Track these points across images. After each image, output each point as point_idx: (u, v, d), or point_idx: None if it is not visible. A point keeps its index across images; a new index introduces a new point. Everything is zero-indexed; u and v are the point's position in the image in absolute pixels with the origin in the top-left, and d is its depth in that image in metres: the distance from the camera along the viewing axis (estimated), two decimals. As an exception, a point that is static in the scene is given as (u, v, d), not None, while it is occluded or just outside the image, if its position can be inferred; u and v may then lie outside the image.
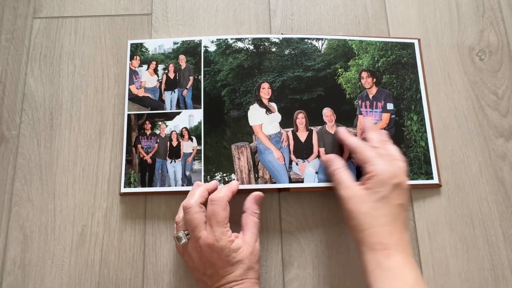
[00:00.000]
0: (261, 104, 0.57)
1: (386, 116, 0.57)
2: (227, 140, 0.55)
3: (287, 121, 0.56)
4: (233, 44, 0.59)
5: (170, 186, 0.54)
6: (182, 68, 0.59)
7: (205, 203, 0.48)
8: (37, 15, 0.63)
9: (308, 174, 0.54)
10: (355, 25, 0.63)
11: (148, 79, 0.59)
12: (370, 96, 0.57)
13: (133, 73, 0.59)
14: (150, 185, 0.54)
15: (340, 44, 0.59)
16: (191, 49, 0.59)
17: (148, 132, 0.57)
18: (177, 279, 0.52)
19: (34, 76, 0.60)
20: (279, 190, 0.55)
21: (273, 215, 0.55)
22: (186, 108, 0.57)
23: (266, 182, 0.53)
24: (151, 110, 0.57)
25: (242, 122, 0.56)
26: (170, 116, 0.57)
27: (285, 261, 0.53)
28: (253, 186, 0.53)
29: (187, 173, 0.55)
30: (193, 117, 0.57)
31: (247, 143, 0.55)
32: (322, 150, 0.55)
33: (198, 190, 0.48)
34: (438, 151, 0.57)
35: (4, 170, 0.56)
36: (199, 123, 0.56)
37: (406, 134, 0.56)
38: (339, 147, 0.54)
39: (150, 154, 0.56)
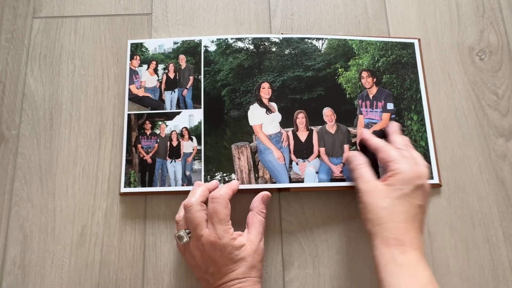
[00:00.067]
0: (261, 104, 0.57)
1: (386, 116, 0.57)
2: (227, 140, 0.55)
3: (287, 121, 0.56)
4: (233, 44, 0.59)
5: (170, 186, 0.54)
6: (182, 68, 0.59)
7: (206, 202, 0.48)
8: (37, 15, 0.63)
9: (309, 174, 0.54)
10: (355, 25, 0.63)
11: (148, 79, 0.59)
12: (370, 96, 0.57)
13: (133, 73, 0.59)
14: (150, 185, 0.54)
15: (340, 44, 0.59)
16: (191, 49, 0.59)
17: (148, 132, 0.57)
18: (177, 279, 0.52)
19: (34, 76, 0.60)
20: (279, 190, 0.55)
21: (273, 215, 0.55)
22: (186, 108, 0.57)
23: (266, 182, 0.53)
24: (151, 110, 0.57)
25: (242, 122, 0.56)
26: (170, 116, 0.57)
27: (285, 261, 0.53)
28: (253, 186, 0.53)
29: (187, 173, 0.55)
30: (193, 117, 0.57)
31: (247, 143, 0.55)
32: (322, 150, 0.55)
33: (199, 189, 0.48)
34: (438, 151, 0.57)
35: (4, 170, 0.56)
36: (199, 123, 0.56)
37: (406, 134, 0.56)
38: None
39: (150, 154, 0.56)
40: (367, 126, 0.56)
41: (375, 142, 0.51)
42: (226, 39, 0.59)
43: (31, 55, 0.61)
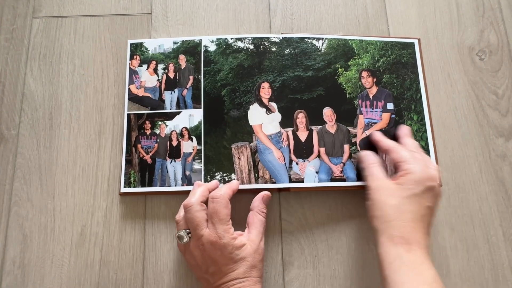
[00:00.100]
0: (261, 104, 0.57)
1: (386, 116, 0.57)
2: (227, 140, 0.55)
3: (287, 121, 0.56)
4: (233, 44, 0.59)
5: (170, 186, 0.54)
6: (182, 67, 0.59)
7: (206, 202, 0.48)
8: (36, 14, 0.63)
9: (309, 174, 0.54)
10: (355, 25, 0.63)
11: (148, 78, 0.59)
12: (371, 96, 0.57)
13: (133, 73, 0.59)
14: (150, 185, 0.54)
15: (340, 44, 0.59)
16: (191, 49, 0.59)
17: (148, 132, 0.56)
18: (177, 279, 0.52)
19: (33, 76, 0.60)
20: (279, 190, 0.55)
21: (273, 215, 0.54)
22: (186, 107, 0.57)
23: (266, 182, 0.53)
24: (151, 109, 0.57)
25: (242, 121, 0.56)
26: (170, 116, 0.57)
27: (285, 261, 0.53)
28: (253, 186, 0.53)
29: (187, 173, 0.54)
30: (193, 116, 0.56)
31: (247, 143, 0.55)
32: (322, 149, 0.55)
33: (199, 190, 0.48)
34: (438, 151, 0.57)
35: (3, 170, 0.56)
36: (199, 122, 0.56)
37: (406, 134, 0.56)
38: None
39: (150, 154, 0.56)
40: (367, 126, 0.56)
41: (387, 143, 0.51)
42: (226, 39, 0.59)
43: (31, 55, 0.61)
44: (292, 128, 0.56)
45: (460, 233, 0.54)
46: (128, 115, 0.57)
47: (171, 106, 0.57)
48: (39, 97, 0.59)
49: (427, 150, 0.56)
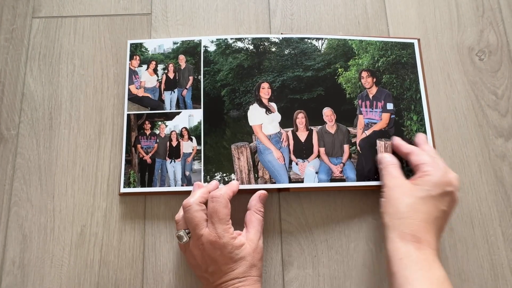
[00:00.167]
0: (261, 104, 0.57)
1: (386, 116, 0.57)
2: (227, 140, 0.55)
3: (287, 121, 0.56)
4: (232, 44, 0.59)
5: (169, 186, 0.54)
6: (182, 68, 0.59)
7: (206, 203, 0.48)
8: (36, 14, 0.63)
9: (308, 174, 0.54)
10: (355, 25, 0.63)
11: (148, 79, 0.59)
12: (370, 96, 0.57)
13: (133, 73, 0.59)
14: (150, 185, 0.54)
15: (340, 44, 0.59)
16: (190, 49, 0.59)
17: (148, 132, 0.56)
18: (176, 279, 0.52)
19: (33, 76, 0.60)
20: (279, 190, 0.55)
21: (273, 215, 0.55)
22: (185, 108, 0.57)
23: (266, 182, 0.53)
24: (150, 110, 0.57)
25: (242, 122, 0.56)
26: (170, 116, 0.57)
27: (285, 261, 0.53)
28: (253, 186, 0.53)
29: (187, 173, 0.54)
30: (193, 117, 0.56)
31: (247, 143, 0.55)
32: (322, 150, 0.55)
33: (199, 190, 0.49)
34: (437, 151, 0.57)
35: (3, 170, 0.56)
36: (199, 123, 0.56)
37: (406, 134, 0.56)
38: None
39: (150, 154, 0.56)
40: (367, 126, 0.56)
41: (408, 146, 0.52)
42: (226, 39, 0.59)
43: (31, 55, 0.61)
44: (291, 128, 0.56)
45: (460, 233, 0.54)
46: (128, 115, 0.57)
47: (170, 106, 0.57)
48: (39, 97, 0.59)
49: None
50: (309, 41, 0.59)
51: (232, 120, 0.56)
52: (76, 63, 0.60)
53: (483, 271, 0.53)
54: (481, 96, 0.60)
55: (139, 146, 0.56)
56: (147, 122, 0.57)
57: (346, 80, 0.58)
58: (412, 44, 0.60)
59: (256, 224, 0.48)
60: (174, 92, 0.58)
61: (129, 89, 0.58)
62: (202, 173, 0.54)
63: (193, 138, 0.56)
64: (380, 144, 0.55)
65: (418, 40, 0.60)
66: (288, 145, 0.55)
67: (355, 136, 0.56)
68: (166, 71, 0.59)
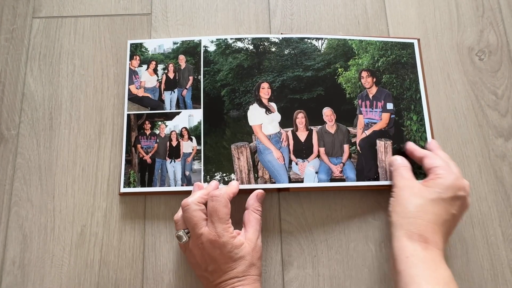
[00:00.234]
0: (261, 104, 0.57)
1: (386, 116, 0.57)
2: (227, 140, 0.55)
3: (286, 121, 0.56)
4: (232, 44, 0.59)
5: (169, 186, 0.54)
6: (182, 68, 0.59)
7: (205, 204, 0.48)
8: (36, 14, 0.63)
9: (308, 174, 0.54)
10: (355, 25, 0.63)
11: (148, 79, 0.59)
12: (370, 96, 0.57)
13: (133, 73, 0.59)
14: (150, 185, 0.54)
15: (340, 44, 0.59)
16: (190, 49, 0.59)
17: (148, 132, 0.57)
18: (176, 279, 0.52)
19: (33, 76, 0.60)
20: (279, 190, 0.55)
21: (272, 215, 0.55)
22: (185, 108, 0.57)
23: (265, 182, 0.53)
24: (150, 110, 0.57)
25: (241, 122, 0.56)
26: (170, 116, 0.57)
27: (284, 261, 0.53)
28: (252, 186, 0.53)
29: (187, 173, 0.55)
30: (193, 117, 0.57)
31: (246, 143, 0.55)
32: (322, 150, 0.55)
33: (199, 191, 0.49)
34: (427, 143, 0.57)
35: (3, 170, 0.56)
36: (199, 123, 0.56)
37: (406, 134, 0.56)
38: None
39: (150, 154, 0.56)
40: (367, 126, 0.56)
41: (422, 150, 0.52)
42: (226, 39, 0.59)
43: (31, 55, 0.61)
44: (291, 128, 0.56)
45: (460, 233, 0.54)
46: (128, 115, 0.57)
47: (170, 106, 0.57)
48: (39, 97, 0.59)
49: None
50: (309, 41, 0.59)
51: (232, 120, 0.56)
52: (76, 63, 0.60)
53: (483, 271, 0.53)
54: (481, 96, 0.60)
55: (139, 146, 0.56)
56: (147, 122, 0.57)
57: (346, 80, 0.58)
58: (412, 44, 0.60)
59: (254, 224, 0.48)
60: (174, 92, 0.58)
61: (129, 89, 0.58)
62: (202, 173, 0.54)
63: (193, 138, 0.56)
64: (380, 144, 0.55)
65: (418, 40, 0.60)
66: (288, 145, 0.55)
67: (355, 136, 0.56)
68: (166, 71, 0.59)
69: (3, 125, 0.58)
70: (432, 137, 0.56)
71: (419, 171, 0.53)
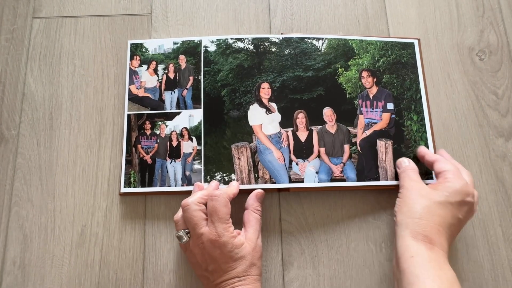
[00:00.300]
0: (261, 104, 0.57)
1: (386, 116, 0.57)
2: (227, 140, 0.55)
3: (287, 121, 0.56)
4: (233, 44, 0.59)
5: (170, 186, 0.54)
6: (182, 68, 0.59)
7: (205, 204, 0.48)
8: (36, 15, 0.63)
9: (308, 174, 0.54)
10: (355, 25, 0.63)
11: (148, 79, 0.59)
12: (371, 96, 0.57)
13: (133, 73, 0.59)
14: (150, 185, 0.54)
15: (341, 44, 0.59)
16: (191, 49, 0.59)
17: (148, 132, 0.57)
18: (177, 279, 0.52)
19: (33, 76, 0.60)
20: (279, 190, 0.55)
21: (273, 215, 0.55)
22: (186, 108, 0.57)
23: (266, 182, 0.53)
24: (151, 110, 0.57)
25: (242, 122, 0.56)
26: (170, 116, 0.57)
27: (285, 261, 0.53)
28: (253, 186, 0.53)
29: (187, 173, 0.55)
30: (193, 117, 0.57)
31: (247, 143, 0.55)
32: (322, 150, 0.55)
33: (199, 192, 0.49)
34: (438, 151, 0.57)
35: (3, 170, 0.56)
36: (199, 123, 0.56)
37: (406, 134, 0.56)
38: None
39: (150, 154, 0.56)
40: (367, 126, 0.56)
41: (434, 154, 0.52)
42: (226, 39, 0.59)
43: (31, 55, 0.61)
44: (292, 128, 0.56)
45: (460, 233, 0.54)
46: (128, 115, 0.57)
47: (171, 106, 0.57)
48: (39, 97, 0.59)
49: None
50: (309, 41, 0.59)
51: (232, 120, 0.56)
52: (76, 63, 0.60)
53: (483, 271, 0.53)
54: (482, 96, 0.60)
55: (139, 146, 0.56)
56: (147, 122, 0.57)
57: (346, 80, 0.58)
58: (412, 44, 0.60)
59: (254, 223, 0.48)
60: (174, 92, 0.58)
61: (129, 89, 0.58)
62: (202, 173, 0.54)
63: (193, 138, 0.56)
64: (381, 144, 0.55)
65: (418, 40, 0.60)
66: (288, 145, 0.55)
67: (355, 136, 0.56)
68: (166, 71, 0.59)
69: (4, 125, 0.58)
70: (433, 137, 0.56)
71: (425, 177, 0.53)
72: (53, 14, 0.63)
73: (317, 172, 0.54)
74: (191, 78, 0.58)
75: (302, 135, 0.55)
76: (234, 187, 0.50)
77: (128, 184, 0.54)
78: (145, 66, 0.59)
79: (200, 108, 0.57)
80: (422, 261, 0.42)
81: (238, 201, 0.51)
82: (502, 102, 0.59)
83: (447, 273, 0.42)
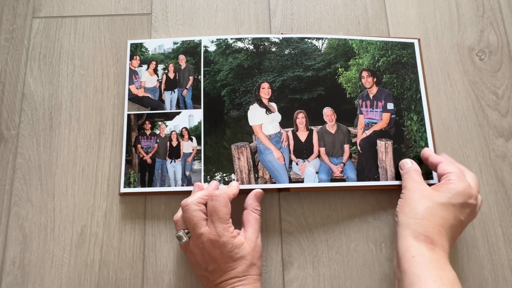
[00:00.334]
0: (261, 104, 0.57)
1: (386, 116, 0.57)
2: (227, 140, 0.55)
3: (287, 121, 0.56)
4: (233, 44, 0.59)
5: (170, 186, 0.54)
6: (182, 68, 0.59)
7: (205, 204, 0.48)
8: (36, 14, 0.63)
9: (308, 174, 0.54)
10: (355, 25, 0.63)
11: (148, 79, 0.59)
12: (371, 96, 0.57)
13: (133, 73, 0.59)
14: (150, 185, 0.54)
15: (341, 44, 0.59)
16: (191, 49, 0.59)
17: (148, 132, 0.56)
18: (176, 279, 0.52)
19: (33, 76, 0.60)
20: (279, 190, 0.55)
21: (273, 215, 0.55)
22: (186, 108, 0.57)
23: (266, 182, 0.53)
24: (151, 110, 0.57)
25: (242, 122, 0.56)
26: (170, 116, 0.57)
27: (285, 261, 0.53)
28: (253, 186, 0.53)
29: (187, 173, 0.54)
30: (193, 117, 0.56)
31: (247, 143, 0.55)
32: (322, 150, 0.55)
33: (199, 192, 0.49)
34: (437, 151, 0.57)
35: (3, 170, 0.56)
36: (199, 123, 0.56)
37: (406, 134, 0.56)
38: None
39: (150, 154, 0.56)
40: (368, 126, 0.56)
41: (438, 157, 0.52)
42: (226, 39, 0.59)
43: (31, 55, 0.61)
44: (292, 128, 0.56)
45: (460, 233, 0.54)
46: (128, 115, 0.57)
47: (171, 106, 0.57)
48: (39, 97, 0.59)
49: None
50: (309, 41, 0.59)
51: (232, 120, 0.56)
52: (76, 63, 0.60)
53: (484, 271, 0.53)
54: (482, 96, 0.60)
55: (139, 146, 0.56)
56: (147, 122, 0.57)
57: (346, 80, 0.58)
58: (412, 44, 0.60)
59: (253, 223, 0.48)
60: (174, 92, 0.58)
61: (129, 89, 0.58)
62: (202, 173, 0.54)
63: (193, 138, 0.56)
64: (381, 144, 0.55)
65: (418, 40, 0.60)
66: (288, 145, 0.55)
67: (355, 136, 0.56)
68: (166, 71, 0.59)
69: (3, 125, 0.58)
70: (433, 137, 0.56)
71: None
72: (53, 14, 0.63)
73: (317, 172, 0.54)
74: (191, 78, 0.58)
75: (302, 135, 0.55)
76: (234, 187, 0.50)
77: (128, 184, 0.54)
78: (145, 66, 0.59)
79: (200, 108, 0.57)
80: (424, 262, 0.42)
81: (238, 201, 0.51)
82: (502, 102, 0.59)
83: (448, 274, 0.42)
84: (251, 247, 0.46)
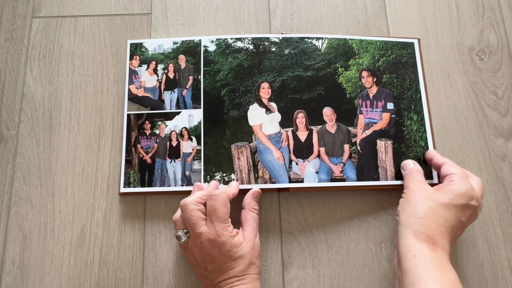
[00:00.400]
0: (261, 104, 0.57)
1: (386, 116, 0.57)
2: (227, 140, 0.55)
3: (287, 121, 0.56)
4: (232, 44, 0.59)
5: (169, 186, 0.54)
6: (182, 68, 0.59)
7: (204, 204, 0.48)
8: (36, 14, 0.63)
9: (308, 174, 0.54)
10: (355, 25, 0.63)
11: (148, 79, 0.59)
12: (371, 96, 0.57)
13: (133, 73, 0.59)
14: (150, 185, 0.54)
15: (340, 43, 0.59)
16: (190, 49, 0.59)
17: (148, 132, 0.56)
18: (176, 279, 0.52)
19: (33, 76, 0.60)
20: (279, 190, 0.55)
21: (273, 215, 0.54)
22: (185, 108, 0.57)
23: (266, 182, 0.53)
24: (150, 110, 0.57)
25: (242, 122, 0.56)
26: (170, 116, 0.57)
27: (285, 261, 0.53)
28: (253, 186, 0.53)
29: (187, 173, 0.54)
30: (193, 117, 0.56)
31: (247, 143, 0.55)
32: (322, 149, 0.55)
33: (199, 192, 0.49)
34: (438, 151, 0.57)
35: (3, 170, 0.56)
36: (199, 123, 0.56)
37: (406, 134, 0.56)
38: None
39: (150, 154, 0.56)
40: (367, 125, 0.56)
41: (442, 158, 0.52)
42: (226, 39, 0.59)
43: (31, 55, 0.61)
44: (292, 128, 0.56)
45: (460, 233, 0.54)
46: (128, 115, 0.57)
47: (170, 106, 0.57)
48: (39, 97, 0.59)
49: (426, 150, 0.56)
50: (309, 40, 0.59)
51: (232, 120, 0.56)
52: (76, 63, 0.60)
53: (483, 271, 0.53)
54: (481, 96, 0.60)
55: (139, 146, 0.56)
56: (147, 122, 0.57)
57: (346, 80, 0.58)
58: (412, 44, 0.60)
59: (251, 222, 0.48)
60: (174, 92, 0.58)
61: (129, 89, 0.58)
62: (202, 173, 0.54)
63: (193, 138, 0.56)
64: (381, 143, 0.55)
65: (418, 40, 0.60)
66: (288, 145, 0.55)
67: (355, 135, 0.56)
68: (166, 71, 0.59)
69: (3, 125, 0.58)
70: (433, 137, 0.56)
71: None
72: (53, 14, 0.63)
73: (317, 172, 0.54)
74: (190, 78, 0.58)
75: (302, 135, 0.55)
76: (233, 187, 0.50)
77: (127, 184, 0.54)
78: (144, 66, 0.59)
79: (200, 108, 0.57)
80: (424, 261, 0.42)
81: (238, 201, 0.51)
82: (502, 102, 0.59)
83: (449, 274, 0.42)
84: (250, 246, 0.46)
